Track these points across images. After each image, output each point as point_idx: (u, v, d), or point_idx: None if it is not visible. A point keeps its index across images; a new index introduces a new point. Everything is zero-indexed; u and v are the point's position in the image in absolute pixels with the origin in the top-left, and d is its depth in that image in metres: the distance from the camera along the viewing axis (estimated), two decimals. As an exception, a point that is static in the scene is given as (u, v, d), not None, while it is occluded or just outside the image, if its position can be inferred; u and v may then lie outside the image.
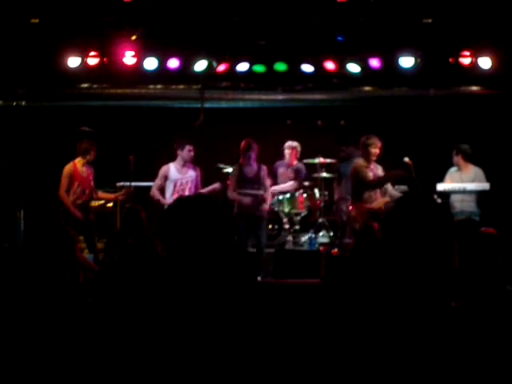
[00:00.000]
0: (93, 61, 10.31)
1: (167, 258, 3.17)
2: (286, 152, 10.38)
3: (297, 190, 10.18)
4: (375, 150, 8.68)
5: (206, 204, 3.16)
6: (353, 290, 2.90)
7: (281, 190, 10.19)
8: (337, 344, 2.87)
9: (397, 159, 9.78)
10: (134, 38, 10.12)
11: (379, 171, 8.77)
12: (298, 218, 10.15)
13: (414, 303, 2.87)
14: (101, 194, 9.40)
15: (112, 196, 9.69)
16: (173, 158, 9.39)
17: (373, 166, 8.76)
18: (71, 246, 6.05)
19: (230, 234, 5.14)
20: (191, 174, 9.31)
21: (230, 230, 5.17)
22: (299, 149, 10.39)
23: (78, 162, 8.91)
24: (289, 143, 10.40)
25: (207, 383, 3.01)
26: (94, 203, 9.78)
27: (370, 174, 8.65)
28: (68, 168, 8.88)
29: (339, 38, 10.19)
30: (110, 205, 10.14)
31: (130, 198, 9.57)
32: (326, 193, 10.21)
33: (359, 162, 8.78)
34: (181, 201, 3.27)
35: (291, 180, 10.31)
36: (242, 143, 9.26)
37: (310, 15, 10.09)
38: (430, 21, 10.03)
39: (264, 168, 9.36)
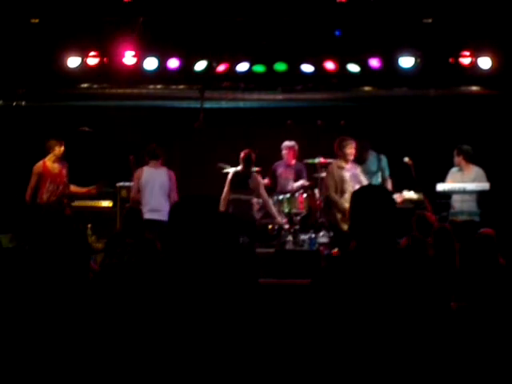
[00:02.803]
0: (93, 61, 10.32)
1: (168, 257, 3.17)
2: (284, 152, 10.42)
3: (308, 187, 10.24)
4: (351, 151, 8.96)
5: (209, 204, 3.16)
6: (344, 291, 2.89)
7: (296, 188, 10.26)
8: (336, 344, 2.87)
9: (397, 159, 9.79)
10: (132, 38, 10.12)
11: (357, 170, 9.01)
12: (298, 217, 10.15)
13: (406, 303, 2.87)
14: (73, 187, 9.34)
15: (84, 190, 9.61)
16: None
17: (350, 165, 9.01)
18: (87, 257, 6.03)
19: (232, 235, 5.13)
20: None
21: (232, 231, 5.16)
22: (296, 148, 10.43)
23: (49, 159, 9.09)
24: (286, 143, 10.44)
25: (208, 383, 3.01)
26: (93, 203, 9.80)
27: (346, 174, 8.89)
28: (37, 167, 9.05)
29: (337, 33, 10.18)
30: (110, 205, 10.14)
31: (103, 191, 9.59)
32: (326, 193, 10.20)
33: (337, 163, 9.05)
34: (184, 201, 3.27)
35: (290, 180, 10.35)
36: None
37: (310, 15, 10.08)
38: (430, 21, 10.03)
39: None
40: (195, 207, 3.14)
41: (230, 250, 4.50)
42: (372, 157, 9.67)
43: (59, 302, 3.70)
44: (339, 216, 8.87)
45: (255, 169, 10.01)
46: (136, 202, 8.83)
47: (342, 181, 8.89)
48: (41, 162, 9.06)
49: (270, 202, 9.83)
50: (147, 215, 8.55)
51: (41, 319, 3.68)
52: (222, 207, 9.40)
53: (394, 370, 2.80)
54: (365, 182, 9.04)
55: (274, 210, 9.79)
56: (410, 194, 9.37)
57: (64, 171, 9.06)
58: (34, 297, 3.78)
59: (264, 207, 9.77)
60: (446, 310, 2.93)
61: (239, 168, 9.67)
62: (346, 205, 8.84)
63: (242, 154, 9.66)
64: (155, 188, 8.91)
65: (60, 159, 9.08)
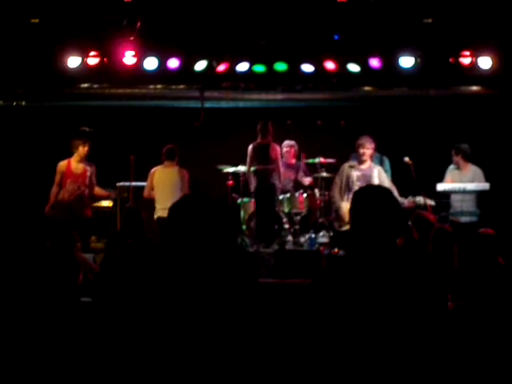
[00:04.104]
0: (93, 61, 10.30)
1: (167, 257, 3.17)
2: (284, 150, 10.46)
3: (308, 187, 10.30)
4: (363, 151, 9.09)
5: (209, 204, 3.16)
6: (345, 290, 2.89)
7: (306, 181, 10.41)
8: (335, 344, 2.87)
9: (397, 159, 9.79)
10: (132, 38, 10.10)
11: (373, 171, 9.05)
12: (298, 217, 10.15)
13: (408, 303, 2.87)
14: (97, 190, 9.39)
15: (105, 193, 9.67)
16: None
17: (366, 165, 9.13)
18: (71, 246, 6.05)
19: (232, 235, 5.14)
20: None
21: (232, 231, 5.18)
22: (296, 147, 10.49)
23: (74, 159, 9.12)
24: (286, 142, 10.50)
25: (208, 383, 3.01)
26: (93, 203, 9.80)
27: (355, 174, 9.07)
28: (61, 165, 9.11)
29: (335, 37, 10.20)
30: (110, 205, 10.14)
31: (122, 196, 9.66)
32: (326, 193, 10.20)
33: (349, 162, 9.26)
34: (184, 200, 3.27)
35: (291, 179, 10.38)
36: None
37: (309, 15, 10.08)
38: (430, 21, 10.02)
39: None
40: (194, 207, 3.15)
41: (230, 250, 4.50)
42: (374, 158, 9.64)
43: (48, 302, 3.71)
44: (334, 215, 9.09)
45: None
46: (148, 200, 9.31)
47: (348, 180, 9.03)
48: (65, 161, 9.11)
49: (282, 178, 10.15)
50: (159, 213, 9.07)
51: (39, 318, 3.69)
52: (248, 179, 10.03)
53: (393, 369, 2.80)
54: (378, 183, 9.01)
55: (281, 179, 10.09)
56: (426, 200, 9.24)
57: (88, 173, 9.08)
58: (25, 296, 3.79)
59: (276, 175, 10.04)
60: (442, 310, 2.93)
61: (257, 140, 9.99)
62: (342, 204, 9.00)
63: (259, 126, 9.99)
64: (167, 187, 9.16)
65: (86, 160, 9.11)
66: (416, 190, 9.28)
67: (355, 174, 9.08)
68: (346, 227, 8.93)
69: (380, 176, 9.12)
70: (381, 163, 9.72)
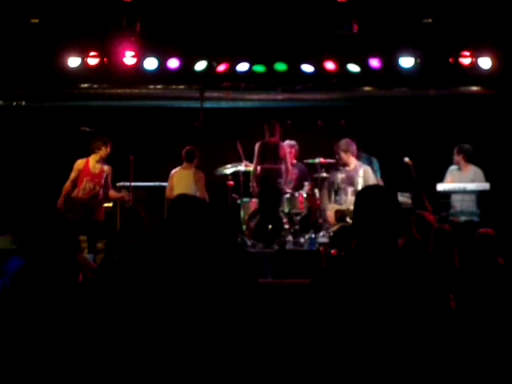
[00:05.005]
0: (93, 61, 10.31)
1: (165, 256, 3.17)
2: None
3: (310, 188, 10.33)
4: (337, 157, 9.48)
5: (208, 204, 3.16)
6: (344, 290, 2.89)
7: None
8: (335, 344, 2.87)
9: (397, 159, 9.80)
10: (132, 38, 10.11)
11: (359, 172, 9.20)
12: (298, 217, 10.14)
13: (410, 302, 2.87)
14: (112, 192, 9.34)
15: (118, 195, 9.66)
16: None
17: (350, 167, 9.36)
18: (72, 246, 6.03)
19: (231, 235, 5.15)
20: None
21: (231, 231, 5.18)
22: (297, 148, 10.47)
23: (93, 158, 9.09)
24: (287, 142, 10.46)
25: (207, 383, 3.01)
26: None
27: (339, 176, 9.37)
28: (78, 163, 9.08)
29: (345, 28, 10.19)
30: (110, 205, 10.13)
31: (132, 197, 9.68)
32: (326, 193, 10.21)
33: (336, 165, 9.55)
34: (183, 200, 3.27)
35: (292, 179, 10.37)
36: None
37: (310, 15, 10.09)
38: (430, 21, 10.03)
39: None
40: (188, 208, 3.14)
41: (230, 250, 4.50)
42: (363, 159, 9.73)
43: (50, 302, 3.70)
44: (322, 217, 9.29)
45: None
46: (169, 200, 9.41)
47: (334, 182, 9.19)
48: (84, 160, 9.08)
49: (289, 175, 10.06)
50: None
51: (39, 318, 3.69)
52: (251, 178, 9.91)
53: (394, 369, 2.80)
54: (363, 184, 9.08)
55: (287, 180, 10.00)
56: (401, 198, 9.30)
57: (104, 174, 9.06)
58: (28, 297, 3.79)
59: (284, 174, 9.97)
60: (445, 309, 2.93)
61: (266, 139, 9.93)
62: (329, 206, 9.17)
63: (266, 126, 9.93)
64: (183, 189, 9.26)
65: (104, 161, 9.11)
66: (416, 190, 9.31)
67: (340, 176, 9.24)
68: (333, 229, 9.03)
69: (365, 176, 9.20)
70: (370, 164, 9.79)
